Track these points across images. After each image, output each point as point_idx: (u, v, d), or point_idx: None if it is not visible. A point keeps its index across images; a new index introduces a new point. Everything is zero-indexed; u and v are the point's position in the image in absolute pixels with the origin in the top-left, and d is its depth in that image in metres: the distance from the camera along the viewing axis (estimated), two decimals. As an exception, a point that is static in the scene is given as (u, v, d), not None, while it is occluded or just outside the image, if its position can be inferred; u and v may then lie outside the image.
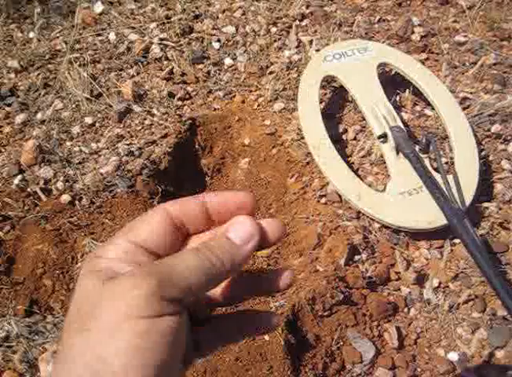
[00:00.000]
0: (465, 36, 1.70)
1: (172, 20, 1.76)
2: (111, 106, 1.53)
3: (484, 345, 1.12)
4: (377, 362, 1.10)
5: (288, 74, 1.60)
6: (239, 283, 0.43)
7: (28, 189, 1.35)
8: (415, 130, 1.46)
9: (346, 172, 1.28)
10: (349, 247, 1.20)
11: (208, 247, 0.38)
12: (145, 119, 1.51)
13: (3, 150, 1.46)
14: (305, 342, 1.10)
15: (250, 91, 1.59)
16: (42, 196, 1.33)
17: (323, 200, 1.31)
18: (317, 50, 1.59)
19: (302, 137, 1.39)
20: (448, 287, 1.20)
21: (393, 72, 1.56)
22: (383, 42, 1.66)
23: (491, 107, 1.45)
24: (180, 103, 1.56)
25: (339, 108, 1.52)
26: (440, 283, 1.20)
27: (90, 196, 1.33)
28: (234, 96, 1.58)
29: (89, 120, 1.50)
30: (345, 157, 1.36)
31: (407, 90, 1.49)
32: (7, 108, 1.57)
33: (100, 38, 1.77)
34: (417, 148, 1.30)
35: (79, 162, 1.41)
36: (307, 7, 1.82)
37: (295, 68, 1.61)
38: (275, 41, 1.71)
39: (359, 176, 1.32)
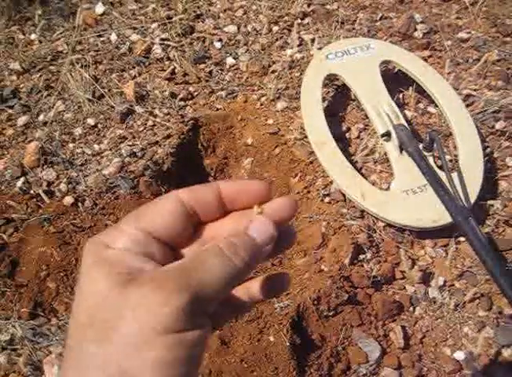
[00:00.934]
0: (468, 33, 1.69)
1: (173, 20, 1.75)
2: (113, 107, 1.52)
3: (490, 343, 1.11)
4: (383, 362, 1.10)
5: (290, 73, 1.59)
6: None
7: (31, 191, 1.35)
8: (419, 128, 1.45)
9: (350, 171, 1.27)
10: (354, 246, 1.20)
11: (231, 245, 0.36)
12: (148, 120, 1.50)
13: (6, 152, 1.46)
14: (311, 342, 1.10)
15: (253, 90, 1.58)
16: (45, 198, 1.33)
17: (326, 199, 1.31)
18: (319, 48, 1.59)
19: (305, 136, 1.38)
20: (453, 285, 1.19)
21: (395, 70, 1.55)
22: (386, 40, 1.66)
23: (496, 104, 1.44)
24: (182, 103, 1.56)
25: (342, 107, 1.51)
26: (445, 281, 1.19)
27: (93, 198, 1.33)
28: (236, 96, 1.57)
29: (91, 121, 1.50)
30: (348, 156, 1.36)
31: (411, 88, 1.48)
32: (9, 110, 1.56)
33: (101, 39, 1.76)
34: (421, 145, 1.29)
35: (82, 164, 1.41)
36: (309, 5, 1.81)
37: (297, 67, 1.60)
38: (277, 40, 1.71)
39: (362, 174, 1.32)
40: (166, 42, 1.71)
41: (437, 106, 1.44)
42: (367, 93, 1.40)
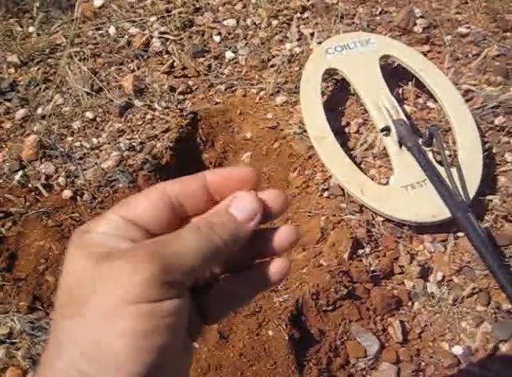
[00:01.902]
0: (467, 27, 1.68)
1: (172, 13, 1.74)
2: (111, 101, 1.52)
3: (488, 338, 1.12)
4: (381, 356, 1.10)
5: (290, 67, 1.59)
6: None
7: (29, 185, 1.34)
8: (418, 123, 1.45)
9: (349, 165, 1.27)
10: (353, 240, 1.20)
11: (209, 224, 0.36)
12: (146, 114, 1.50)
13: (4, 146, 1.46)
14: (309, 337, 1.10)
15: (252, 84, 1.58)
16: (44, 192, 1.32)
17: (325, 194, 1.31)
18: (319, 43, 1.58)
19: (304, 131, 1.38)
20: (451, 280, 1.19)
21: (395, 64, 1.55)
22: (385, 34, 1.65)
23: (495, 99, 1.44)
24: (181, 97, 1.55)
25: (341, 101, 1.51)
26: (444, 276, 1.19)
27: (92, 192, 1.33)
28: (235, 90, 1.56)
29: (89, 115, 1.50)
30: (347, 150, 1.35)
31: (410, 83, 1.48)
32: (7, 104, 1.56)
33: (100, 32, 1.75)
34: (420, 140, 1.29)
35: (80, 158, 1.41)
36: (308, -1, 1.81)
37: (297, 61, 1.60)
38: (276, 34, 1.70)
39: (362, 169, 1.32)
40: (164, 36, 1.70)
41: (436, 101, 1.44)
42: (366, 87, 1.40)
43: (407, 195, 1.23)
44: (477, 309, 1.15)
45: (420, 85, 1.46)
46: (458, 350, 1.10)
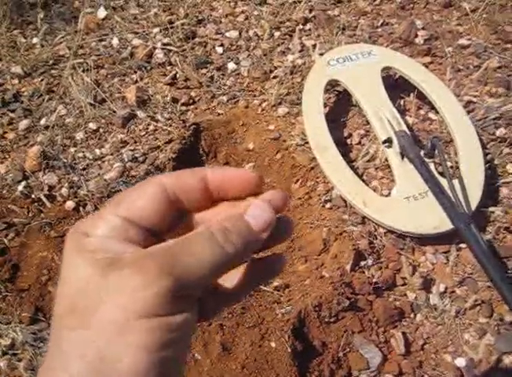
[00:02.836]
0: (468, 39, 1.69)
1: (175, 24, 1.76)
2: (114, 112, 1.53)
3: (491, 350, 1.11)
4: (383, 368, 1.10)
5: (292, 78, 1.59)
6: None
7: (32, 196, 1.35)
8: (420, 134, 1.45)
9: (351, 177, 1.28)
10: (355, 252, 1.20)
11: (224, 230, 0.34)
12: (149, 125, 1.50)
13: (7, 156, 1.46)
14: (312, 348, 1.10)
15: (254, 96, 1.58)
16: (47, 203, 1.33)
17: (328, 205, 1.31)
18: (321, 54, 1.59)
19: (307, 142, 1.38)
20: (454, 292, 1.19)
21: (397, 76, 1.56)
22: (387, 46, 1.66)
23: (496, 110, 1.45)
24: (184, 108, 1.56)
25: (343, 113, 1.51)
26: (446, 288, 1.19)
27: (94, 202, 1.33)
28: (238, 101, 1.57)
29: (92, 126, 1.50)
30: (349, 162, 1.36)
31: (412, 94, 1.48)
32: (11, 114, 1.56)
33: (103, 43, 1.77)
34: (422, 152, 1.30)
35: (83, 168, 1.41)
36: (310, 11, 1.82)
37: (299, 73, 1.61)
38: (278, 45, 1.71)
39: (364, 181, 1.32)
40: (167, 47, 1.71)
41: (437, 112, 1.45)
42: (368, 99, 1.41)
43: (409, 206, 1.23)
44: (480, 320, 1.15)
45: (422, 96, 1.47)
46: (461, 362, 1.10)
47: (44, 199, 1.33)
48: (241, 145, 1.52)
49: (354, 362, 1.10)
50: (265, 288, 1.20)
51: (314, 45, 1.67)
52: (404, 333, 1.14)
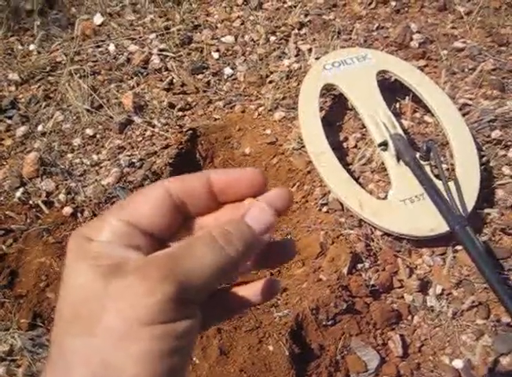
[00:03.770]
0: (463, 42, 1.70)
1: (171, 30, 1.76)
2: (111, 117, 1.53)
3: (488, 352, 1.12)
4: (381, 371, 1.10)
5: (288, 83, 1.60)
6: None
7: (30, 202, 1.35)
8: (416, 137, 1.46)
9: (347, 180, 1.28)
10: (352, 255, 1.20)
11: (225, 234, 0.34)
12: (146, 130, 1.51)
13: (5, 163, 1.47)
14: (310, 351, 1.10)
15: (250, 100, 1.59)
16: (44, 209, 1.33)
17: (324, 209, 1.31)
18: (317, 59, 1.60)
19: (303, 146, 1.39)
20: (451, 293, 1.20)
21: (392, 79, 1.57)
22: (382, 50, 1.67)
23: (491, 113, 1.46)
24: (180, 113, 1.56)
25: (339, 116, 1.52)
26: (443, 290, 1.20)
27: (92, 208, 1.33)
28: (234, 106, 1.58)
29: (90, 132, 1.51)
30: (346, 165, 1.37)
31: (407, 97, 1.49)
32: (8, 121, 1.57)
33: (99, 49, 1.77)
34: (418, 155, 1.30)
35: (81, 174, 1.42)
36: (305, 16, 1.83)
37: (295, 77, 1.62)
38: (274, 50, 1.72)
39: (360, 184, 1.33)
40: (164, 53, 1.72)
41: (433, 115, 1.45)
42: (364, 102, 1.41)
43: (405, 209, 1.24)
44: (477, 322, 1.16)
45: (417, 99, 1.48)
46: (458, 364, 1.10)
47: (42, 206, 1.33)
48: (238, 150, 1.53)
49: (352, 365, 1.10)
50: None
51: (310, 50, 1.68)
52: (401, 335, 1.15)
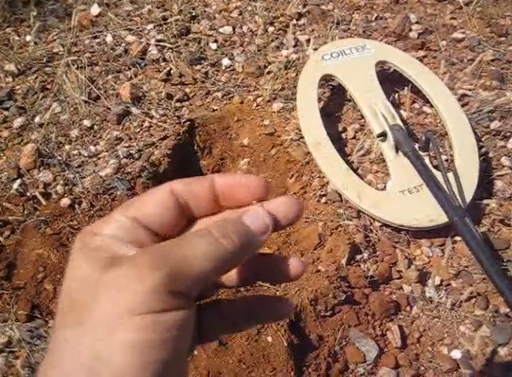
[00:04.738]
0: (462, 33, 1.69)
1: (169, 21, 1.75)
2: (109, 108, 1.52)
3: (487, 342, 1.12)
4: (380, 361, 1.10)
5: (286, 73, 1.59)
6: (247, 266, 0.39)
7: (28, 193, 1.34)
8: (415, 128, 1.46)
9: (346, 171, 1.28)
10: (351, 246, 1.20)
11: (221, 227, 0.34)
12: (144, 121, 1.50)
13: (2, 154, 1.46)
14: (308, 342, 1.10)
15: (249, 91, 1.58)
16: (42, 200, 1.33)
17: (323, 200, 1.31)
18: (315, 49, 1.59)
19: (302, 137, 1.38)
20: (449, 284, 1.20)
21: (391, 70, 1.56)
22: (381, 40, 1.66)
23: (491, 103, 1.45)
24: (178, 104, 1.56)
25: (338, 107, 1.52)
26: (442, 281, 1.20)
27: (90, 199, 1.33)
28: (232, 97, 1.57)
29: (87, 123, 1.50)
30: (344, 156, 1.36)
31: (406, 88, 1.48)
32: (5, 112, 1.56)
33: (97, 40, 1.76)
34: (417, 145, 1.30)
35: (78, 166, 1.41)
36: (304, 6, 1.82)
37: (293, 68, 1.61)
38: (272, 40, 1.71)
39: (359, 175, 1.32)
40: (161, 43, 1.71)
41: (432, 106, 1.45)
42: (362, 93, 1.41)
43: (404, 200, 1.24)
44: (476, 313, 1.16)
45: (416, 90, 1.47)
46: (457, 354, 1.10)
47: (39, 197, 1.33)
48: (236, 141, 1.52)
49: (351, 355, 1.10)
50: (261, 283, 1.20)
51: (308, 40, 1.67)
52: (400, 326, 1.15)
